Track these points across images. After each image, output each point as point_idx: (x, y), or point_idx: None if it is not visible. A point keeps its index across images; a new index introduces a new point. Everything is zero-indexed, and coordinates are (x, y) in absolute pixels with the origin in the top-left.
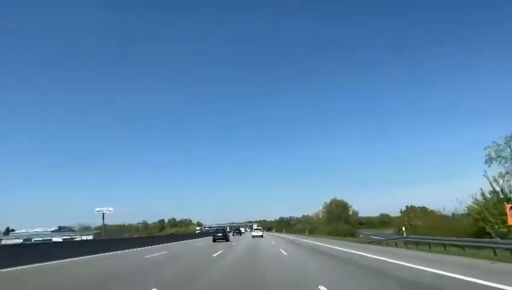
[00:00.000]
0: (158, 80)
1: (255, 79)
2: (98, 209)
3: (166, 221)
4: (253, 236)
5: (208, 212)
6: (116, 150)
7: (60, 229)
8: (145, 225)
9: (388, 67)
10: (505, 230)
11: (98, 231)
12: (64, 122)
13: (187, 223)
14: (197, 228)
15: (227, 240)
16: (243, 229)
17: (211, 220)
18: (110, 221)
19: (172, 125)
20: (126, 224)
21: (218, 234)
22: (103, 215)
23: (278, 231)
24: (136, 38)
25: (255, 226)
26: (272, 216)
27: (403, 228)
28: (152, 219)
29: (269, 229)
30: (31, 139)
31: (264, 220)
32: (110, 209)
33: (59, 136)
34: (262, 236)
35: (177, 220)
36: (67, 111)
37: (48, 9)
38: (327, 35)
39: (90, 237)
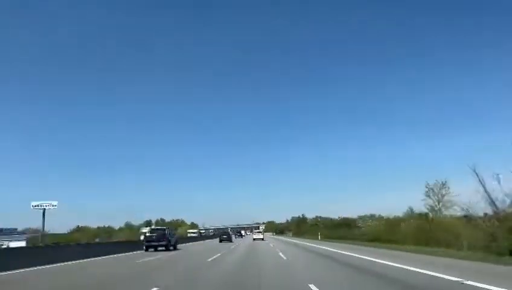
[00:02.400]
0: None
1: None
2: (34, 203)
3: (153, 222)
4: (254, 239)
5: (210, 213)
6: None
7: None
8: (129, 227)
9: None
10: None
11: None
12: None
13: (179, 223)
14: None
15: (231, 241)
16: (243, 232)
17: (213, 222)
18: (90, 223)
19: (175, 124)
20: (106, 226)
21: (224, 236)
22: (43, 212)
23: (296, 234)
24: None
25: (260, 229)
26: (281, 217)
27: None
28: (140, 220)
29: (281, 233)
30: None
31: (273, 222)
32: (54, 203)
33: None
34: (263, 239)
35: (166, 220)
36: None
37: None
38: None
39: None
